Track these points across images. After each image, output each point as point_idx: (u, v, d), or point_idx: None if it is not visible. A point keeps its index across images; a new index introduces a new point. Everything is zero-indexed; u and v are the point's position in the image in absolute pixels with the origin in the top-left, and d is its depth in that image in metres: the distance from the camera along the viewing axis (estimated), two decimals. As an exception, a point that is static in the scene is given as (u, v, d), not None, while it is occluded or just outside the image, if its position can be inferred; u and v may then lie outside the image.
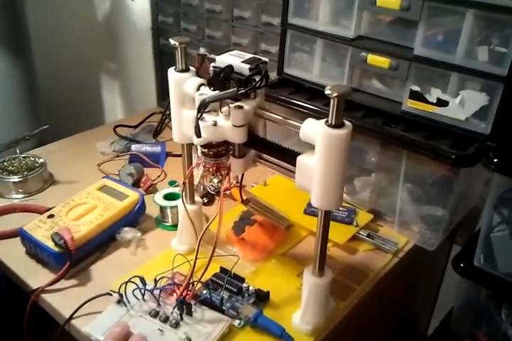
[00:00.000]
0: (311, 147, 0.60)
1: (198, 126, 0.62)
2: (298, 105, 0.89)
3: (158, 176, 1.03)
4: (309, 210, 0.88)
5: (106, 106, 1.63)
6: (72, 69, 1.54)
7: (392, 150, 0.82)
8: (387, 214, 0.88)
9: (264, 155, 0.69)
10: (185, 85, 0.68)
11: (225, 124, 0.63)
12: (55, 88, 1.47)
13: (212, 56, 0.68)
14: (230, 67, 0.63)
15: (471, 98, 0.74)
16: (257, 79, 0.62)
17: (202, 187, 0.96)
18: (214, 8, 1.14)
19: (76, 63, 1.53)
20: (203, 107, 0.61)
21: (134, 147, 1.10)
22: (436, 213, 0.82)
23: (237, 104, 0.62)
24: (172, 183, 1.01)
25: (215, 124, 0.63)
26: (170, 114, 1.21)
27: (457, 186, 0.78)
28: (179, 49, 0.67)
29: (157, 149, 1.10)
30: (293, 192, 0.91)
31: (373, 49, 0.81)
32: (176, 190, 0.92)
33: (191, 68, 0.69)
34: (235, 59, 0.65)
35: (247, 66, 0.63)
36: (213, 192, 0.96)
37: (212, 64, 0.67)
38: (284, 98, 0.90)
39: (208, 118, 0.63)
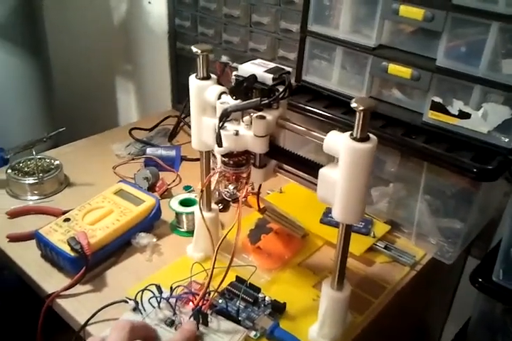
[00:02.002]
0: (328, 156, 0.59)
1: (220, 135, 0.62)
2: (315, 113, 0.88)
3: (173, 181, 1.03)
4: (325, 219, 0.88)
5: (120, 109, 1.63)
6: (88, 72, 1.54)
7: (412, 161, 0.81)
8: (405, 225, 0.88)
9: (285, 166, 0.68)
10: (206, 93, 0.67)
11: (247, 134, 0.63)
12: (70, 90, 1.47)
13: (234, 65, 0.67)
14: (254, 77, 0.62)
15: (494, 111, 0.73)
16: (280, 89, 0.62)
17: (217, 193, 0.95)
18: (232, 13, 1.14)
19: (92, 65, 1.54)
20: (225, 116, 0.61)
21: (149, 150, 1.10)
22: (455, 226, 0.81)
23: (260, 113, 0.62)
24: (187, 188, 1.00)
25: (236, 134, 0.62)
26: (185, 117, 1.23)
27: (477, 199, 0.77)
28: (201, 57, 0.67)
29: (172, 153, 1.10)
30: (309, 201, 0.92)
31: (395, 58, 0.80)
32: (192, 195, 0.92)
33: (212, 76, 0.69)
34: (258, 68, 0.64)
35: (271, 76, 0.62)
36: (229, 199, 0.96)
37: (234, 72, 0.66)
38: (301, 105, 0.89)
39: (230, 127, 0.63)
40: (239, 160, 0.66)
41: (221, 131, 0.62)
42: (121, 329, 0.56)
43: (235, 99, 0.64)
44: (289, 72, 0.64)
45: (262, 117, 0.61)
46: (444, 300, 1.12)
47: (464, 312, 0.95)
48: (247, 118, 0.63)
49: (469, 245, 1.00)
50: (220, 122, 0.62)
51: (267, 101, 0.60)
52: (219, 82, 0.69)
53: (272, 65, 0.65)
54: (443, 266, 0.85)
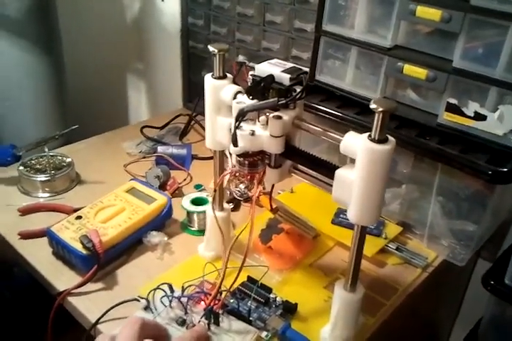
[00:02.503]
0: (340, 156, 0.59)
1: (236, 135, 0.61)
2: (329, 113, 0.88)
3: (184, 179, 1.03)
4: (337, 220, 0.88)
5: (131, 107, 1.63)
6: (100, 69, 1.54)
7: (425, 162, 0.81)
8: (417, 227, 0.87)
9: (300, 166, 0.68)
10: (221, 92, 0.67)
11: (263, 134, 0.62)
12: (82, 87, 1.47)
13: (251, 64, 0.67)
14: (271, 77, 0.62)
15: (510, 113, 0.73)
16: (298, 90, 0.61)
17: (228, 192, 0.95)
18: (245, 12, 1.13)
19: (104, 63, 1.54)
20: (242, 116, 0.61)
21: (160, 149, 1.10)
22: (468, 228, 0.80)
23: (276, 114, 0.62)
24: (198, 187, 1.00)
25: (252, 134, 0.62)
26: (196, 116, 1.23)
27: (492, 202, 0.77)
28: (217, 56, 0.66)
29: (183, 152, 1.10)
30: (320, 201, 0.92)
31: (410, 59, 0.80)
32: (203, 194, 0.91)
33: (228, 75, 0.69)
34: (275, 68, 0.64)
35: (288, 76, 0.62)
36: (239, 198, 0.96)
37: (251, 72, 0.66)
38: (314, 105, 0.89)
39: (246, 127, 0.63)
40: (254, 161, 0.65)
41: (237, 130, 0.62)
42: (132, 325, 0.56)
43: (252, 99, 0.64)
44: (306, 73, 0.63)
45: (279, 117, 0.61)
46: (454, 302, 1.11)
47: (473, 314, 0.94)
48: (263, 118, 0.63)
49: (480, 247, 1.00)
50: (236, 122, 0.61)
51: (284, 101, 0.60)
52: (234, 82, 0.69)
53: (289, 64, 0.65)
54: (454, 268, 0.84)
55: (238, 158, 0.65)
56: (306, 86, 0.61)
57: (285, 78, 0.62)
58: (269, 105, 0.60)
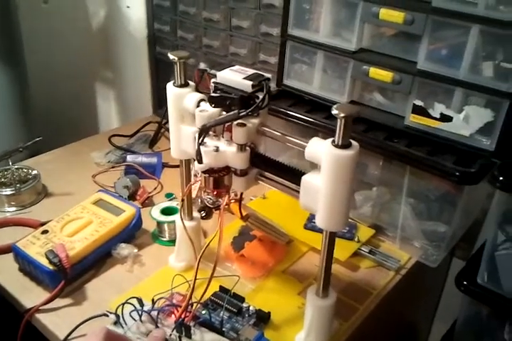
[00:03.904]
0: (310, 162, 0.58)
1: (200, 151, 0.60)
2: (297, 118, 0.87)
3: (155, 188, 1.01)
4: (309, 225, 0.87)
5: (100, 115, 1.60)
6: (66, 78, 1.51)
7: (394, 164, 0.81)
8: (389, 229, 0.87)
9: (266, 173, 0.67)
10: (184, 100, 0.66)
11: (227, 150, 0.62)
12: (49, 97, 1.44)
13: (213, 71, 0.66)
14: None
15: (476, 114, 0.73)
16: (260, 97, 0.60)
17: (199, 200, 0.94)
18: (212, 17, 1.12)
19: (70, 71, 1.51)
20: (204, 132, 0.60)
21: (129, 158, 1.08)
22: (439, 229, 0.81)
23: (240, 121, 0.61)
24: (169, 196, 0.99)
25: (216, 150, 0.61)
26: (166, 123, 1.21)
27: (461, 202, 0.77)
28: (178, 64, 0.66)
29: (153, 160, 1.08)
30: (292, 206, 0.91)
31: (375, 62, 0.80)
32: (174, 203, 0.90)
33: (190, 83, 0.68)
34: (236, 75, 0.63)
35: (250, 83, 0.61)
36: (211, 206, 0.95)
37: (213, 80, 0.65)
38: (283, 110, 0.88)
39: (210, 143, 0.62)
40: (219, 176, 0.64)
41: (201, 147, 0.60)
42: (96, 334, 0.55)
43: (214, 107, 0.63)
44: (268, 79, 0.63)
45: (243, 125, 0.60)
46: (430, 303, 1.12)
47: (450, 313, 0.95)
48: (227, 134, 0.62)
49: (453, 246, 1.00)
50: (199, 138, 0.60)
51: (245, 113, 0.59)
52: (197, 90, 0.68)
53: (251, 71, 0.64)
54: (427, 269, 0.84)
55: (204, 175, 0.64)
56: (267, 93, 0.60)
57: (247, 85, 0.61)
58: (231, 118, 0.59)
